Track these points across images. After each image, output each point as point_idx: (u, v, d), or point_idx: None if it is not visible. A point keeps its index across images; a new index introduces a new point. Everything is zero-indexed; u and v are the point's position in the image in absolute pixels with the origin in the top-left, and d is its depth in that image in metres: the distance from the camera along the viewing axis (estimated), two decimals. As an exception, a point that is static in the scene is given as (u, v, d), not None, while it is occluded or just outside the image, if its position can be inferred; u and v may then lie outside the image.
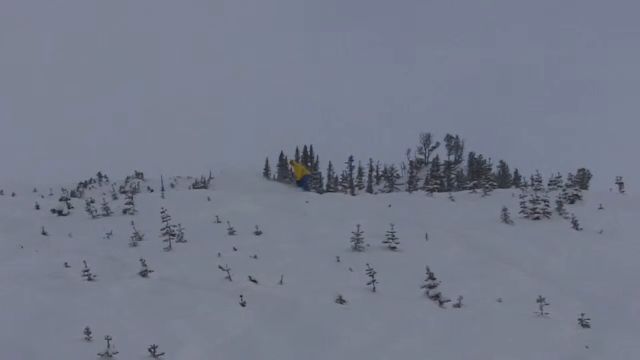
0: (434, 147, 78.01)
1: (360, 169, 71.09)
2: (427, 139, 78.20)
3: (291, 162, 39.43)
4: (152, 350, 10.20)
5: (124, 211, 23.06)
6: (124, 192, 31.18)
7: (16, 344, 10.33)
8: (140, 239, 18.17)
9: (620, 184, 28.50)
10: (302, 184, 34.84)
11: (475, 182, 31.86)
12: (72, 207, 24.25)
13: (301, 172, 35.26)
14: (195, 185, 73.32)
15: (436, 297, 13.34)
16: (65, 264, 15.14)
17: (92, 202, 24.08)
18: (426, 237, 18.79)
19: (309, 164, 72.82)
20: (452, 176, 68.75)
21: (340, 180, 67.83)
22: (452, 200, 27.06)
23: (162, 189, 29.74)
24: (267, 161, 77.40)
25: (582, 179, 40.04)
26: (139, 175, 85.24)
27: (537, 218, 22.16)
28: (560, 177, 31.09)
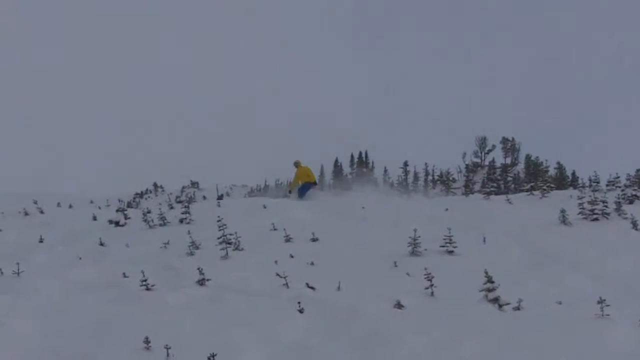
0: (490, 150, 77.54)
1: (415, 174, 70.87)
2: (482, 142, 77.76)
3: (296, 164, 32.01)
4: (211, 358, 10.19)
5: (181, 220, 23.12)
6: (180, 202, 31.32)
7: (77, 354, 10.39)
8: (197, 247, 18.19)
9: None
10: (302, 192, 30.84)
11: (532, 184, 31.59)
12: (129, 218, 24.38)
13: (306, 177, 31.12)
14: (250, 194, 73.48)
15: (495, 300, 13.19)
16: (124, 274, 15.20)
17: (149, 212, 24.18)
18: (484, 240, 18.63)
19: (365, 169, 72.69)
20: (509, 179, 68.25)
21: (395, 185, 67.65)
22: (510, 203, 26.85)
23: (218, 198, 29.82)
24: (322, 168, 77.41)
25: (641, 179, 39.54)
26: (194, 184, 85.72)
27: (596, 219, 21.87)
28: (618, 177, 30.75)
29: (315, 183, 32.04)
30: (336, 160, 76.34)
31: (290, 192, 32.14)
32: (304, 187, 30.98)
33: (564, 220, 21.34)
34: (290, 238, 18.92)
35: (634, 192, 25.05)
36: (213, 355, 10.21)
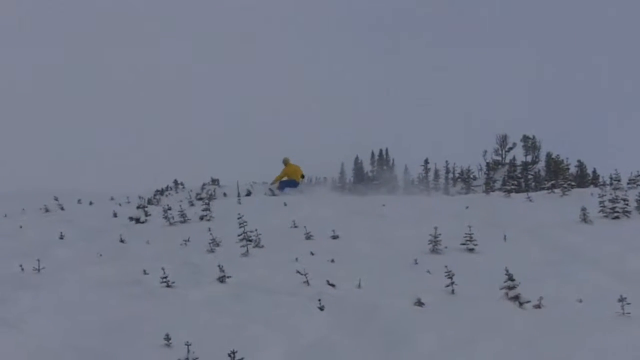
0: (510, 148, 77.30)
1: (436, 171, 70.78)
2: (503, 140, 77.54)
3: (284, 162, 32.78)
4: (232, 355, 10.18)
5: (201, 217, 23.16)
6: (200, 199, 31.32)
7: (100, 351, 10.42)
8: (217, 245, 18.21)
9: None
10: (282, 186, 31.79)
11: (553, 182, 31.50)
12: (149, 215, 24.41)
13: (293, 174, 32.00)
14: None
15: (516, 298, 13.15)
16: (144, 271, 15.21)
17: (169, 209, 24.21)
18: (504, 238, 18.58)
19: (385, 167, 72.68)
20: (530, 177, 68.09)
21: (416, 183, 67.54)
22: (530, 200, 26.76)
23: (239, 195, 29.80)
24: (342, 166, 77.41)
25: (663, 177, 39.35)
26: (214, 181, 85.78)
27: (617, 217, 21.77)
28: (639, 175, 30.59)
29: (297, 182, 32.40)
30: (357, 158, 76.32)
31: (271, 184, 32.83)
32: (288, 182, 31.87)
33: (584, 218, 21.26)
34: (311, 235, 18.93)
35: (655, 190, 24.93)
36: (234, 353, 10.21)
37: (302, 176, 32.79)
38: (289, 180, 31.94)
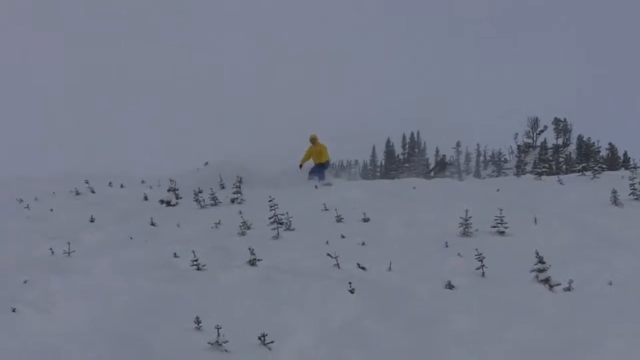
0: (541, 131, 77.22)
1: (467, 154, 70.77)
2: (535, 122, 77.37)
3: (311, 139, 29.15)
4: (262, 338, 10.22)
5: (232, 200, 23.17)
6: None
7: (130, 335, 10.45)
8: (248, 228, 18.23)
9: None
10: (312, 173, 28.53)
11: (584, 165, 31.39)
12: (180, 198, 24.46)
13: (317, 156, 28.74)
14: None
15: (546, 281, 13.12)
16: (175, 254, 15.26)
17: (200, 192, 24.25)
18: (535, 221, 18.49)
19: (416, 149, 72.66)
20: (561, 159, 67.87)
21: (448, 165, 67.54)
22: (561, 183, 26.65)
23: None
24: (373, 149, 77.44)
25: (695, 159, 39.13)
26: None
27: (647, 200, 21.68)
28: (671, 157, 30.45)
29: (323, 165, 28.92)
30: (388, 140, 76.35)
31: (300, 166, 29.22)
32: (315, 168, 28.73)
33: (615, 201, 21.16)
34: (342, 218, 18.92)
35: (685, 173, 24.79)
36: (264, 336, 10.24)
37: (327, 161, 29.21)
38: (316, 166, 28.78)
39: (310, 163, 29.28)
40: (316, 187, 24.81)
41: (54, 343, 9.71)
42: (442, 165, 44.75)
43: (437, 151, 74.13)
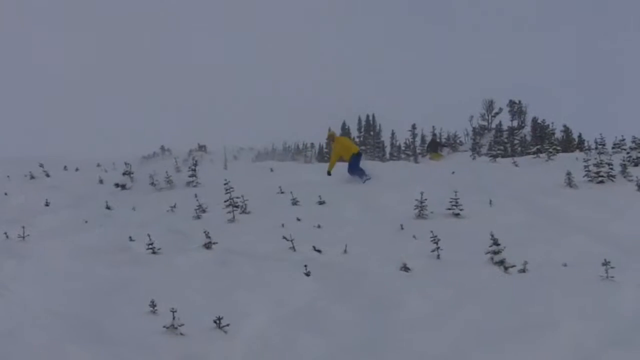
0: (497, 113, 77.59)
1: (423, 137, 70.94)
2: (489, 105, 77.72)
3: (331, 136, 25.34)
4: (218, 321, 10.20)
5: (187, 184, 23.17)
6: (187, 165, 31.30)
7: (85, 318, 10.38)
8: (203, 211, 18.22)
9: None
10: (353, 168, 24.01)
11: (538, 147, 31.66)
12: (136, 181, 24.40)
13: (348, 149, 24.18)
14: (258, 157, 73.44)
15: (501, 262, 13.19)
16: (130, 237, 15.22)
17: (156, 175, 24.18)
18: (490, 203, 18.60)
19: (372, 132, 72.73)
20: (516, 142, 68.30)
21: (403, 148, 67.69)
22: (516, 165, 26.94)
23: (225, 161, 29.81)
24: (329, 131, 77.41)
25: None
26: (201, 147, 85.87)
27: (602, 182, 21.86)
28: (624, 140, 30.79)
29: (360, 153, 24.59)
30: (344, 124, 76.41)
31: (329, 172, 24.25)
32: (353, 162, 24.08)
33: (569, 182, 21.34)
34: (297, 201, 18.94)
35: (639, 155, 25.03)
36: (219, 319, 10.23)
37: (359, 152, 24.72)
38: (352, 160, 24.19)
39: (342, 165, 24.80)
40: (272, 169, 24.77)
41: (9, 327, 9.63)
42: (434, 146, 43.49)
43: (393, 134, 74.38)
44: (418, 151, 65.87)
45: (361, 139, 75.39)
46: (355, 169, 23.93)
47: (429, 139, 71.29)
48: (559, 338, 9.79)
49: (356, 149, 24.38)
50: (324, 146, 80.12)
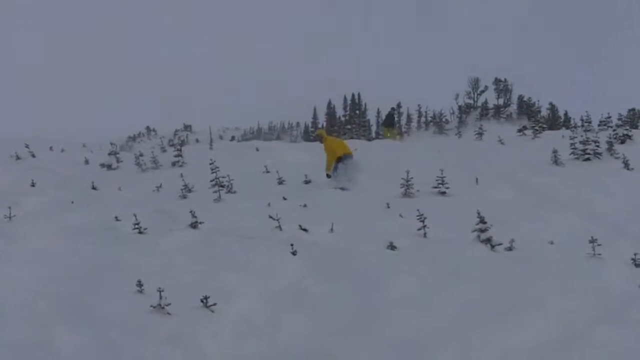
0: (482, 91, 77.32)
1: (408, 115, 70.84)
2: (475, 83, 77.51)
3: (319, 135, 22.45)
4: (204, 300, 10.21)
5: (173, 164, 23.15)
6: (172, 145, 31.26)
7: (72, 298, 10.35)
8: (189, 191, 18.21)
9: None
10: (339, 168, 20.38)
11: (524, 124, 31.69)
12: (121, 161, 24.37)
13: (342, 149, 20.94)
14: (244, 136, 73.27)
15: (487, 241, 13.22)
16: (116, 217, 15.19)
17: (141, 155, 24.16)
18: (476, 181, 18.65)
19: (357, 111, 72.59)
20: (502, 119, 68.29)
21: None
22: (502, 143, 26.92)
23: (211, 141, 29.75)
24: (314, 110, 77.24)
25: (633, 119, 39.69)
26: (187, 127, 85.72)
27: (588, 159, 21.93)
28: (610, 117, 30.87)
29: (345, 156, 20.81)
30: (329, 103, 76.15)
31: (329, 175, 20.87)
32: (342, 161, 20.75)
33: (556, 160, 21.40)
34: (283, 180, 18.95)
35: (625, 132, 25.11)
36: (206, 298, 10.23)
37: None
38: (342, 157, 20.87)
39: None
40: (257, 149, 24.70)
41: (-4, 307, 9.62)
42: (390, 120, 41.63)
43: (379, 112, 74.23)
44: (404, 130, 65.81)
45: (347, 117, 75.34)
46: (342, 168, 20.36)
47: (414, 117, 71.43)
48: (546, 316, 9.82)
49: (342, 152, 20.87)
50: (310, 125, 80.00)
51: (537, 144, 26.50)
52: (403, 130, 55.87)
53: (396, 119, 40.67)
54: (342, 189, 18.43)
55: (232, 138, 50.75)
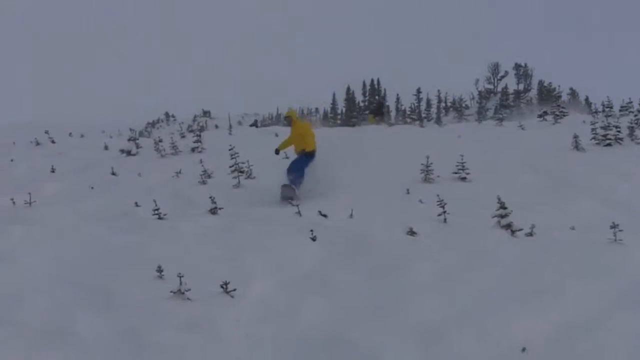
0: (502, 77, 77.19)
1: (428, 101, 70.68)
2: (495, 68, 77.34)
3: (289, 116, 18.52)
4: (224, 286, 10.19)
5: (192, 149, 23.14)
6: (191, 131, 31.26)
7: (92, 283, 10.36)
8: (209, 176, 18.21)
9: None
10: (296, 167, 17.35)
11: (545, 110, 31.50)
12: (141, 147, 24.39)
13: (305, 137, 17.88)
14: (262, 122, 73.20)
15: (508, 226, 13.14)
16: (136, 203, 15.21)
17: (161, 141, 24.15)
18: (497, 166, 18.55)
19: (377, 97, 72.42)
20: (522, 105, 68.03)
21: (408, 112, 67.43)
22: (522, 129, 26.79)
23: (230, 126, 29.73)
24: (333, 96, 77.14)
25: (655, 104, 39.41)
26: (206, 113, 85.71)
27: (609, 144, 21.77)
28: (631, 102, 30.62)
29: (308, 155, 17.82)
30: (348, 88, 75.98)
31: (277, 151, 18.36)
32: (295, 161, 17.76)
33: (576, 145, 21.25)
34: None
35: (647, 117, 24.91)
36: (226, 283, 10.21)
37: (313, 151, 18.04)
38: (304, 155, 17.81)
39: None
40: (276, 134, 24.64)
41: (16, 291, 9.62)
42: (379, 108, 41.52)
43: (398, 98, 74.12)
44: (423, 115, 65.60)
45: (366, 103, 75.07)
46: (296, 169, 17.35)
47: (434, 102, 71.23)
48: (566, 301, 9.76)
49: (312, 148, 17.90)
50: (329, 111, 79.89)
51: (558, 129, 26.36)
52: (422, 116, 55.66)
53: (385, 109, 40.54)
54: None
55: (255, 122, 50.60)
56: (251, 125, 28.93)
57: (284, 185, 16.57)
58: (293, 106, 17.73)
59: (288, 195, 16.37)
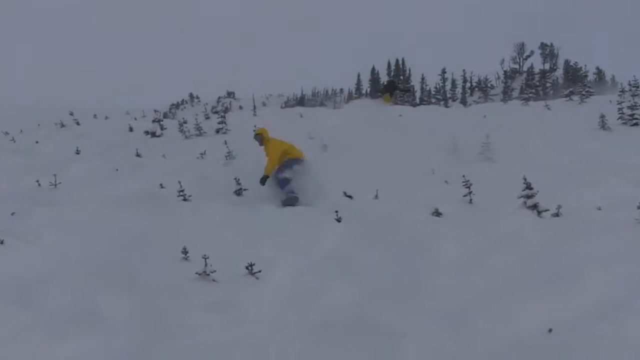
0: (528, 56, 76.86)
1: (453, 81, 70.41)
2: (521, 48, 76.97)
3: (260, 135, 16.48)
4: (249, 268, 10.19)
5: (217, 131, 23.11)
6: (216, 112, 31.24)
7: (117, 265, 10.40)
8: (233, 158, 18.17)
9: None
10: (280, 180, 15.09)
11: (571, 89, 31.31)
12: (165, 129, 24.37)
13: (287, 153, 15.74)
14: (287, 103, 73.13)
15: (534, 207, 13.03)
16: (160, 185, 15.23)
17: (185, 122, 24.16)
18: (522, 147, 18.44)
19: (401, 77, 72.19)
20: (548, 85, 67.66)
21: (433, 92, 67.18)
22: (548, 109, 26.64)
23: (254, 108, 29.69)
24: (358, 77, 76.98)
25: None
26: (230, 94, 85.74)
27: (636, 124, 21.64)
28: (658, 81, 30.42)
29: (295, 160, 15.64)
30: (373, 68, 75.83)
31: (264, 179, 15.08)
32: (287, 165, 15.41)
33: (603, 125, 21.13)
34: (327, 147, 18.83)
35: (674, 96, 24.75)
36: (251, 265, 10.22)
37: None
38: (286, 163, 15.52)
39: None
40: (301, 115, 24.60)
41: (41, 273, 9.66)
42: (390, 87, 40.45)
43: (423, 78, 73.90)
44: (448, 95, 65.40)
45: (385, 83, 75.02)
46: (283, 183, 15.14)
47: (459, 82, 70.95)
48: (590, 285, 9.67)
49: (300, 153, 16.07)
50: (354, 91, 79.79)
51: (584, 109, 26.22)
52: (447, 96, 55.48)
53: (397, 87, 39.83)
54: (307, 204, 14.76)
55: (286, 103, 50.17)
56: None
57: (285, 201, 14.77)
58: (264, 125, 15.29)
59: (292, 204, 14.75)
